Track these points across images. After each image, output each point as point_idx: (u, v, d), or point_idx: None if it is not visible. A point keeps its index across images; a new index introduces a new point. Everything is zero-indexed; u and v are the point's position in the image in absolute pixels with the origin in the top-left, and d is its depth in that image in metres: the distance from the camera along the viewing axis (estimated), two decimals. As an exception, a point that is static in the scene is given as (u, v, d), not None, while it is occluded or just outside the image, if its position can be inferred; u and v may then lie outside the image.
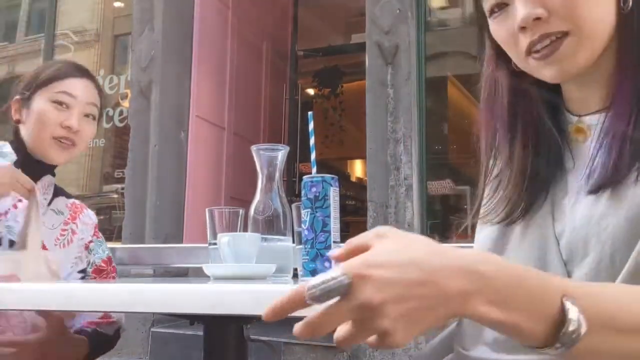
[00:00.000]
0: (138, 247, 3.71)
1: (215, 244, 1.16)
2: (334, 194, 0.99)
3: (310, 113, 1.10)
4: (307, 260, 0.97)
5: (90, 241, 1.58)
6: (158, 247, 3.03)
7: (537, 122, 0.83)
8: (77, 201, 1.61)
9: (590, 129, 0.79)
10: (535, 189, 0.81)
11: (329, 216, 0.98)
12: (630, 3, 0.74)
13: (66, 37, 4.99)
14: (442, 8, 4.38)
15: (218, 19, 4.62)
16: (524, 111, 0.84)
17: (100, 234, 1.64)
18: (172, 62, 4.23)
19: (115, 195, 4.57)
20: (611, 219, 0.68)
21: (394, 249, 0.52)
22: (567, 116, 0.83)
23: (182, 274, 3.59)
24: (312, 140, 1.08)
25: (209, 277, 1.08)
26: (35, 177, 1.45)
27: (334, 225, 0.98)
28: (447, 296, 0.50)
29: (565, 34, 0.74)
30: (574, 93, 0.82)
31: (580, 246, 0.71)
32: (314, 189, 0.98)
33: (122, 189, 4.30)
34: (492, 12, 0.81)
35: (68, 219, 1.53)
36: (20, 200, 1.39)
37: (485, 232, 0.86)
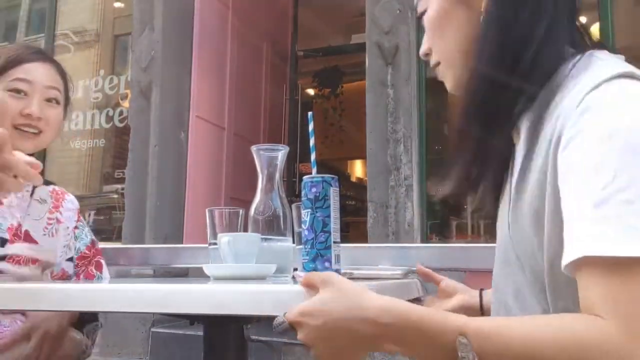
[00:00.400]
0: (138, 247, 3.71)
1: (215, 244, 1.16)
2: (334, 194, 0.99)
3: (310, 113, 1.09)
4: (307, 261, 0.97)
5: (75, 227, 1.54)
6: (158, 247, 3.01)
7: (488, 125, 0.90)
8: (57, 187, 1.56)
9: (519, 132, 0.84)
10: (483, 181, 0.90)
11: (329, 216, 0.97)
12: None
13: (66, 37, 4.99)
14: (442, 8, 4.38)
15: (218, 19, 4.62)
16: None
17: (82, 218, 1.59)
18: (172, 62, 4.23)
19: (115, 196, 4.57)
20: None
21: (326, 301, 0.71)
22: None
23: (182, 274, 3.59)
24: (312, 141, 1.08)
25: (209, 277, 1.08)
26: None
27: (334, 225, 0.98)
28: (359, 339, 0.68)
29: (438, 64, 0.93)
30: None
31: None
32: (314, 189, 0.98)
33: (122, 189, 4.31)
34: None
35: (52, 207, 1.49)
36: (5, 197, 1.34)
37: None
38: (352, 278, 1.13)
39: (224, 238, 1.11)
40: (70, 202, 1.55)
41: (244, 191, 4.11)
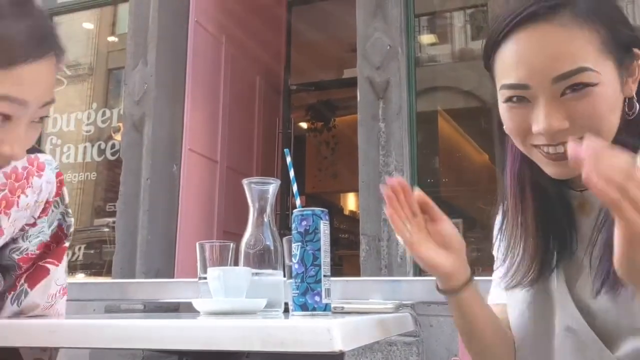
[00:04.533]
0: (128, 282, 3.67)
1: (205, 278, 1.15)
2: (324, 228, 0.98)
3: (286, 150, 1.16)
4: (297, 294, 0.96)
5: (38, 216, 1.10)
6: (148, 282, 2.98)
7: (543, 193, 0.88)
8: (41, 156, 1.10)
9: (592, 207, 0.84)
10: (545, 257, 0.88)
11: (319, 250, 0.97)
12: (636, 111, 0.81)
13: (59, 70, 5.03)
14: (432, 44, 4.45)
15: (211, 54, 4.67)
16: (531, 181, 0.90)
17: (61, 199, 1.15)
18: (165, 95, 4.26)
19: (107, 229, 4.54)
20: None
21: None
22: (570, 192, 0.89)
23: (173, 309, 3.54)
24: (291, 173, 1.12)
25: (199, 312, 1.07)
26: None
27: (324, 258, 0.97)
28: None
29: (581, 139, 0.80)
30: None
31: (614, 328, 0.79)
32: (304, 223, 0.98)
33: (114, 222, 4.28)
34: (508, 99, 0.82)
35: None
36: None
37: (518, 297, 0.93)
38: (343, 312, 1.12)
39: (214, 272, 1.10)
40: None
41: (237, 225, 4.09)
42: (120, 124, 4.48)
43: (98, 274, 4.47)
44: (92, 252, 4.59)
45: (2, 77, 0.81)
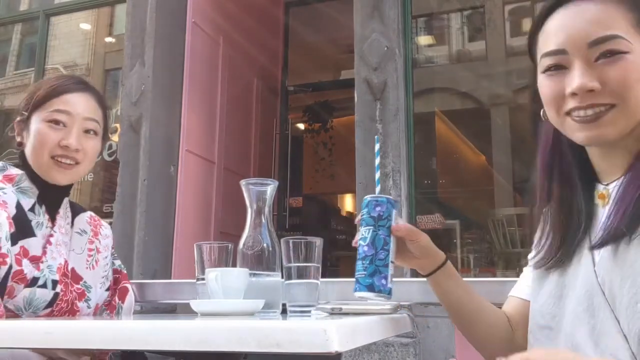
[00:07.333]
0: (125, 282, 3.65)
1: (203, 279, 1.15)
2: (395, 216, 1.05)
3: (377, 137, 1.25)
4: (364, 275, 1.00)
5: (113, 256, 1.56)
6: (145, 282, 2.96)
7: (570, 183, 0.94)
8: (92, 213, 1.55)
9: (610, 195, 0.89)
10: (564, 242, 0.93)
11: (389, 236, 1.03)
12: None
13: (56, 71, 5.01)
14: (429, 45, 4.46)
15: (209, 55, 4.67)
16: (560, 171, 0.95)
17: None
18: (163, 96, 4.25)
19: (104, 230, 4.53)
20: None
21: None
22: (596, 185, 0.94)
23: (170, 310, 3.53)
24: (377, 160, 1.16)
25: (197, 313, 1.07)
26: (57, 204, 1.40)
27: (393, 246, 1.04)
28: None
29: (612, 106, 0.84)
30: (600, 163, 0.93)
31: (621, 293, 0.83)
32: (378, 208, 1.04)
33: (110, 223, 4.27)
34: (547, 69, 0.90)
35: (92, 236, 1.47)
36: (51, 235, 1.34)
37: (546, 281, 0.97)
38: (341, 313, 1.12)
39: (211, 273, 1.10)
40: (107, 229, 1.55)
41: (234, 226, 4.09)
42: (118, 125, 4.48)
43: (95, 275, 4.46)
44: (89, 253, 4.58)
45: (56, 101, 1.37)
